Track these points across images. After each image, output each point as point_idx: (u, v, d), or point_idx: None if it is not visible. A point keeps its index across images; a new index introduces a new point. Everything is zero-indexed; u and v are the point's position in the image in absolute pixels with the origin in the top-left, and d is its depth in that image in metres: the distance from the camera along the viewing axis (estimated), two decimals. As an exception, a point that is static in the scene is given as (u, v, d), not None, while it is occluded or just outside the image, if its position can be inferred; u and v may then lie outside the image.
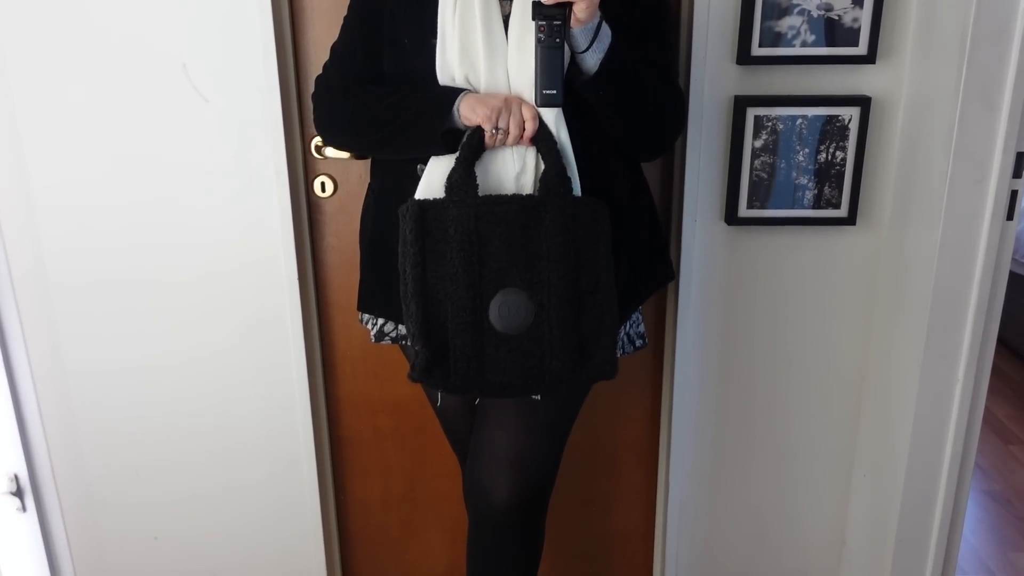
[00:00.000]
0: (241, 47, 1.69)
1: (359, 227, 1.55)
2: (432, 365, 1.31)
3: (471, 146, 1.28)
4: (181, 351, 1.89)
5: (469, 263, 1.27)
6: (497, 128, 1.26)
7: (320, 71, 1.50)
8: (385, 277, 1.40)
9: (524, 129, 1.26)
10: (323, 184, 1.84)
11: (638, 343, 1.52)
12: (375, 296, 1.50)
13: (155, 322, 1.87)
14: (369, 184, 1.53)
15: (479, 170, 1.31)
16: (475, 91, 1.30)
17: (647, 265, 1.51)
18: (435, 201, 1.30)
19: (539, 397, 1.39)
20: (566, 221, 1.27)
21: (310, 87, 1.52)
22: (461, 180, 1.28)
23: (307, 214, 1.85)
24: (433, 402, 1.61)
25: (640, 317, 1.54)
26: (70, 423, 1.94)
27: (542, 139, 1.28)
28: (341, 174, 1.84)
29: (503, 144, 1.28)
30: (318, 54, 1.75)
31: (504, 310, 1.29)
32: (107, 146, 1.75)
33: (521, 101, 1.27)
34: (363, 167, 1.78)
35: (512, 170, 1.31)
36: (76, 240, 1.81)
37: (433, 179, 1.32)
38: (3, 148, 1.75)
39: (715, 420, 1.92)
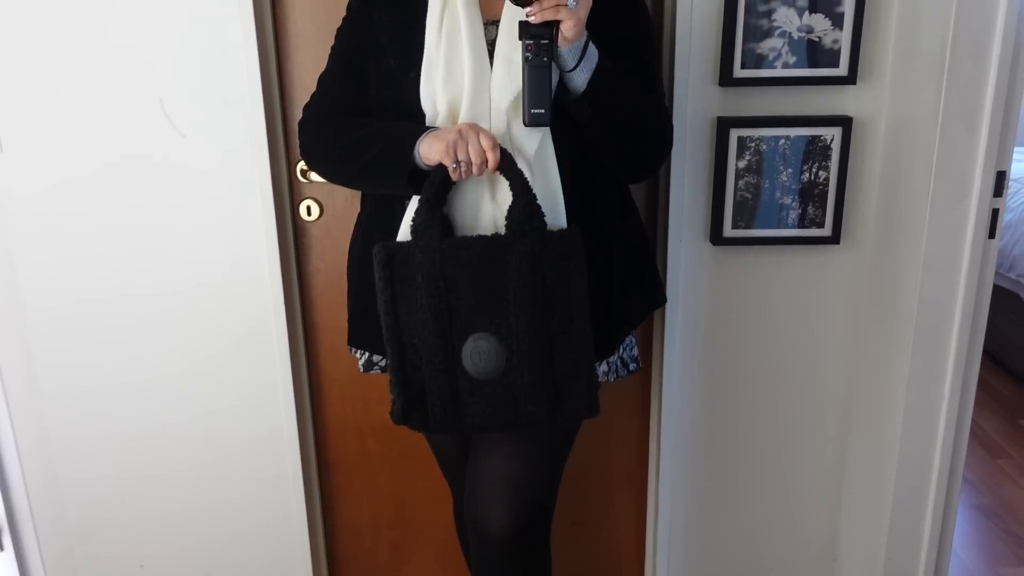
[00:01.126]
0: (224, 73, 1.70)
1: (347, 259, 1.55)
2: (409, 410, 1.31)
3: (434, 186, 1.26)
4: (166, 374, 1.88)
5: (438, 309, 1.26)
6: (458, 161, 1.24)
7: (306, 97, 1.50)
8: (373, 312, 1.38)
9: (486, 157, 1.23)
10: (309, 208, 1.84)
11: (632, 367, 1.51)
12: (364, 331, 1.48)
13: (140, 346, 1.86)
14: (358, 214, 1.52)
15: (454, 207, 1.29)
16: (439, 127, 1.29)
17: (639, 287, 1.50)
18: (400, 246, 1.28)
19: None
20: (533, 261, 1.25)
21: (295, 111, 1.53)
22: (424, 224, 1.26)
23: (293, 238, 1.85)
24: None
25: (634, 340, 1.53)
26: (47, 455, 1.93)
27: (508, 168, 1.25)
28: (327, 197, 1.84)
29: (468, 176, 1.26)
30: (303, 79, 1.76)
31: (475, 356, 1.27)
32: (86, 168, 1.76)
33: (479, 129, 1.24)
34: (349, 191, 1.78)
35: (486, 204, 1.30)
36: (56, 267, 1.81)
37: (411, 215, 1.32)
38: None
39: (704, 440, 1.92)
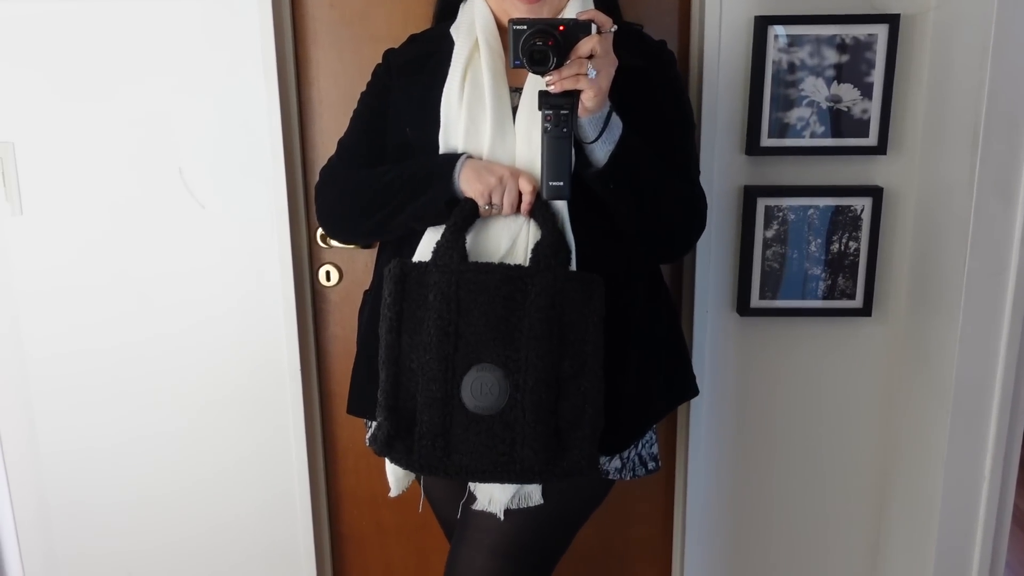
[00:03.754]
0: (245, 139, 1.70)
1: (356, 325, 1.51)
2: (394, 439, 1.23)
3: (463, 213, 1.23)
4: (177, 441, 1.85)
5: (445, 333, 1.20)
6: (490, 204, 1.21)
7: (325, 162, 1.48)
8: (375, 380, 1.32)
9: (520, 201, 1.21)
10: (328, 273, 1.82)
11: (651, 465, 1.39)
12: (366, 397, 1.40)
13: (151, 411, 1.83)
14: (372, 280, 1.48)
15: (473, 235, 1.25)
16: (476, 156, 1.26)
17: (663, 379, 1.39)
18: (418, 264, 1.24)
19: (532, 506, 1.30)
20: (553, 296, 1.19)
21: (316, 177, 1.51)
22: (447, 245, 1.23)
23: (311, 303, 1.82)
24: (428, 498, 1.52)
25: (655, 437, 1.41)
26: (45, 522, 1.89)
27: (540, 208, 1.22)
28: (347, 263, 1.82)
29: (498, 214, 1.23)
30: (325, 144, 1.75)
31: (476, 388, 1.20)
32: (101, 233, 1.76)
33: (519, 174, 1.22)
34: (369, 256, 1.76)
35: (506, 239, 1.25)
36: (66, 333, 1.80)
37: (428, 245, 1.27)
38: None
39: (730, 519, 1.85)
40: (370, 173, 1.35)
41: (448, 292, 1.20)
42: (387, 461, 1.37)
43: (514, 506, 1.30)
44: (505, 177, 1.21)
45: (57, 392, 1.83)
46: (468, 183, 1.22)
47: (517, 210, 1.23)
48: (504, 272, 1.21)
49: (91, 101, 1.69)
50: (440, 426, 1.21)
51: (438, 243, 1.24)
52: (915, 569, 1.76)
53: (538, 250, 1.21)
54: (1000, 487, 1.68)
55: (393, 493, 1.41)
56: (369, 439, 1.27)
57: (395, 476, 1.39)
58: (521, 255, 1.24)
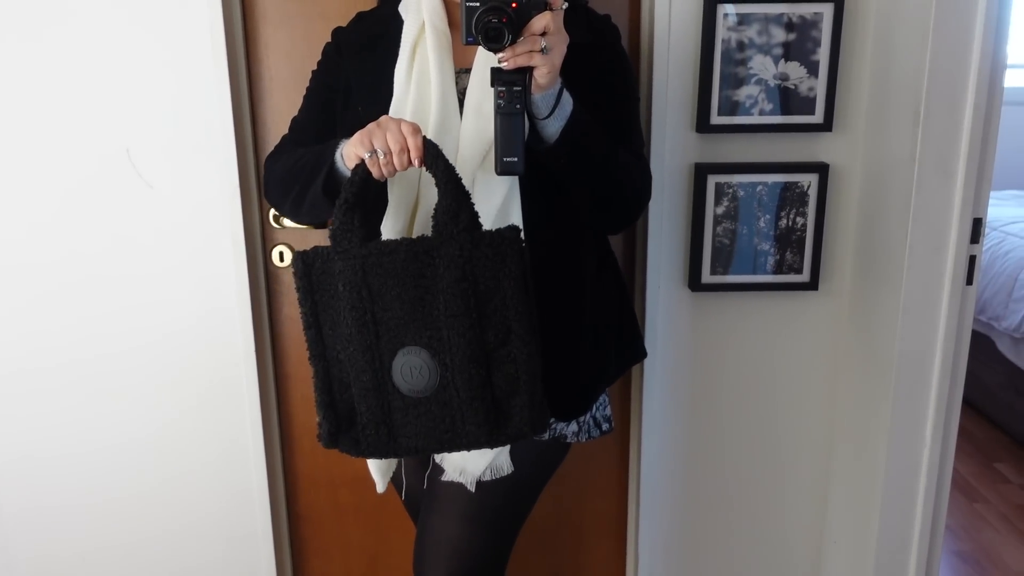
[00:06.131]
0: (194, 118, 1.67)
1: None
2: (336, 434, 1.22)
3: (353, 185, 1.16)
4: (132, 427, 1.82)
5: (363, 322, 1.16)
6: (375, 150, 1.13)
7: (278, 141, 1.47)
8: None
9: (408, 147, 1.13)
10: (281, 253, 1.80)
11: (604, 427, 1.44)
12: None
13: (103, 404, 1.80)
14: None
15: (388, 212, 1.24)
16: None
17: (615, 344, 1.43)
18: (319, 252, 1.19)
19: (489, 479, 1.31)
20: (463, 268, 1.13)
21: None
22: (343, 227, 1.16)
23: (265, 284, 1.81)
24: (398, 492, 1.53)
25: (607, 399, 1.46)
26: None
27: (434, 162, 1.15)
28: (300, 243, 1.80)
29: (391, 169, 1.15)
30: (276, 123, 1.73)
31: (406, 372, 1.17)
32: (44, 218, 1.72)
33: (400, 120, 1.15)
34: (322, 236, 1.74)
35: (416, 204, 1.21)
36: (11, 324, 1.75)
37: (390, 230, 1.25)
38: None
39: (684, 490, 1.89)
40: (293, 152, 1.32)
41: (355, 280, 1.15)
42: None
43: (487, 478, 1.31)
44: (383, 120, 1.15)
45: (6, 375, 1.79)
46: (349, 147, 1.17)
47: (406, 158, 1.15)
48: (408, 249, 1.15)
49: (31, 79, 1.64)
50: (380, 413, 1.20)
51: (333, 228, 1.17)
52: (860, 531, 1.82)
53: (437, 215, 1.16)
54: (940, 453, 1.73)
55: (380, 489, 1.41)
56: (317, 436, 1.25)
57: (380, 472, 1.39)
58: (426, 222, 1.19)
